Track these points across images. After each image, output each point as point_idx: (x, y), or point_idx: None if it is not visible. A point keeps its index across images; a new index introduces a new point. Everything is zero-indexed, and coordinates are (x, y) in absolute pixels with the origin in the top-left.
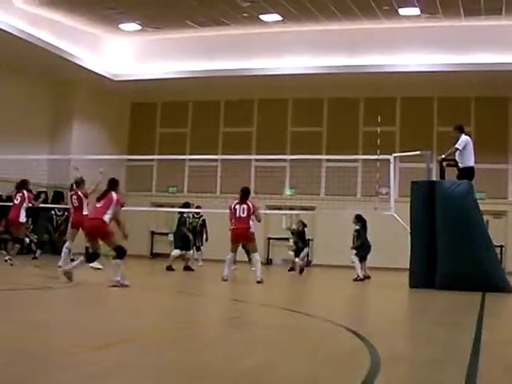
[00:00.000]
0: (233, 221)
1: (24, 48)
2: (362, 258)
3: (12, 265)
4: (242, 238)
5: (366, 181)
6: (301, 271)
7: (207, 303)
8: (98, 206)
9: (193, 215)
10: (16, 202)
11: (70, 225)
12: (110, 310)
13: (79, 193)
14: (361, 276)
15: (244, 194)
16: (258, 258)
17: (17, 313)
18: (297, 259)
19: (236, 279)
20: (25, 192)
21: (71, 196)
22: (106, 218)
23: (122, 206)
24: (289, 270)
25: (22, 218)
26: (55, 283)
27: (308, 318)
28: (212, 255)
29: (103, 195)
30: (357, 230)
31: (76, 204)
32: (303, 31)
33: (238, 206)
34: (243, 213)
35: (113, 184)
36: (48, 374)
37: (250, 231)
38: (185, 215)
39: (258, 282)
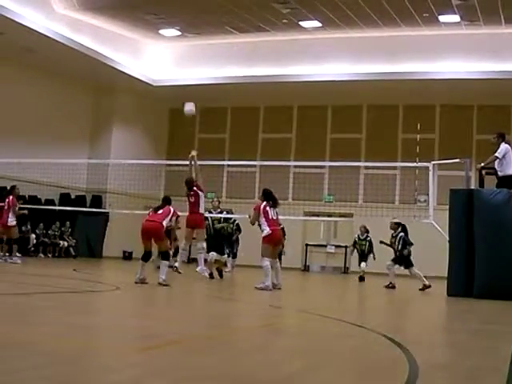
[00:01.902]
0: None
1: (65, 53)
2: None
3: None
4: (279, 240)
5: (404, 188)
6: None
7: (245, 308)
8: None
9: (219, 220)
10: (5, 207)
11: (185, 224)
12: (151, 314)
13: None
14: (394, 283)
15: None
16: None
17: (58, 315)
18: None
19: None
20: (11, 197)
21: (188, 196)
22: (164, 223)
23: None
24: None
25: (11, 222)
26: (95, 286)
27: (345, 324)
28: (246, 261)
29: (161, 207)
30: (403, 238)
31: (192, 200)
32: (343, 38)
33: (269, 209)
34: (275, 215)
35: (168, 200)
36: (91, 376)
37: None
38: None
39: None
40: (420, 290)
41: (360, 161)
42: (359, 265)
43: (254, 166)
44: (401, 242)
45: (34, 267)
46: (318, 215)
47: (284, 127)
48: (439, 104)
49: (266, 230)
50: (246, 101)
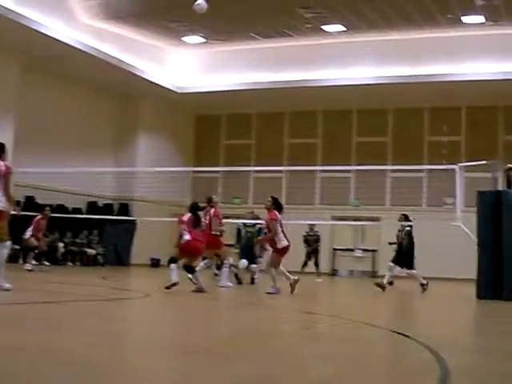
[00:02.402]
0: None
1: (90, 62)
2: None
3: None
4: None
5: (431, 191)
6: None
7: (275, 314)
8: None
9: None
10: None
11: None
12: (181, 321)
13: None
14: (384, 284)
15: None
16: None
17: (90, 323)
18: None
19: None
20: None
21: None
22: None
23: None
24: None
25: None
26: (125, 294)
27: (375, 328)
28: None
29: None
30: (410, 232)
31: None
32: (366, 41)
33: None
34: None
35: (196, 208)
36: (122, 383)
37: None
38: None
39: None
40: (423, 290)
41: (386, 164)
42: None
43: (281, 171)
44: (406, 237)
45: (62, 276)
46: (345, 219)
47: (309, 132)
48: (465, 106)
49: (284, 242)
50: (271, 106)
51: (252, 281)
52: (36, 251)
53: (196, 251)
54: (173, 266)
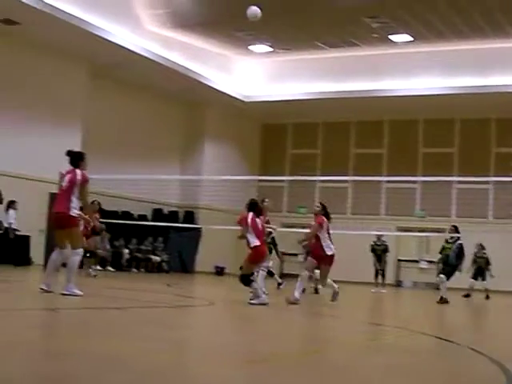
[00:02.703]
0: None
1: (156, 70)
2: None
3: None
4: None
5: (497, 203)
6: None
7: (341, 325)
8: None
9: None
10: None
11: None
12: (246, 329)
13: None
14: (445, 298)
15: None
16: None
17: (154, 330)
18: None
19: (366, 299)
20: None
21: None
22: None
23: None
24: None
25: None
26: (189, 302)
27: (440, 341)
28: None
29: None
30: (461, 246)
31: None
32: (434, 51)
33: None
34: None
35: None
36: None
37: None
38: None
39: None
40: (438, 302)
41: (452, 175)
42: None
43: (346, 181)
44: (456, 251)
45: (127, 282)
46: (410, 230)
47: (375, 142)
48: None
49: (332, 248)
50: (337, 116)
51: (316, 291)
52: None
53: (263, 258)
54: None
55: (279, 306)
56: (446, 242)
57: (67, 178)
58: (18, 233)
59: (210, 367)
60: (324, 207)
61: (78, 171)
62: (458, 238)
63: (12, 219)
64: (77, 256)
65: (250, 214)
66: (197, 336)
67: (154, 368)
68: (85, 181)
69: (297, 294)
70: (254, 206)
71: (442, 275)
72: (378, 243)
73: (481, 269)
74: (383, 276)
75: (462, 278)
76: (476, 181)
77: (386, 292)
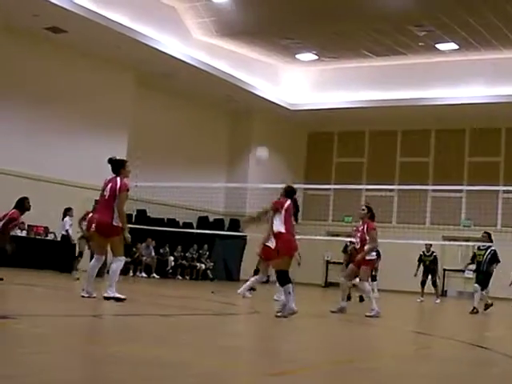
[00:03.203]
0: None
1: (203, 78)
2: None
3: None
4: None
5: None
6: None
7: (383, 333)
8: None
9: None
10: None
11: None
12: (289, 338)
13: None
14: (476, 307)
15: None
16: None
17: (198, 337)
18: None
19: (412, 309)
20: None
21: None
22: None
23: None
24: None
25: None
26: (234, 309)
27: (488, 351)
28: (389, 285)
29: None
30: (494, 252)
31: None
32: (480, 60)
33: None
34: None
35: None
36: None
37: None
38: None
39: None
40: (484, 309)
41: (498, 184)
42: None
43: (392, 190)
44: (489, 257)
45: (171, 289)
46: (455, 240)
47: (421, 151)
48: None
49: (375, 254)
50: (383, 124)
51: (361, 298)
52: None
53: (294, 248)
54: (290, 286)
55: (319, 315)
56: (478, 248)
57: (109, 187)
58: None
59: (253, 375)
60: (370, 209)
61: (119, 179)
62: (492, 246)
63: (68, 226)
64: (119, 262)
65: (288, 201)
66: (241, 343)
67: (205, 374)
68: (124, 189)
69: (342, 303)
70: (292, 194)
71: (475, 284)
72: (427, 254)
73: None
74: (435, 286)
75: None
76: None
77: (439, 302)
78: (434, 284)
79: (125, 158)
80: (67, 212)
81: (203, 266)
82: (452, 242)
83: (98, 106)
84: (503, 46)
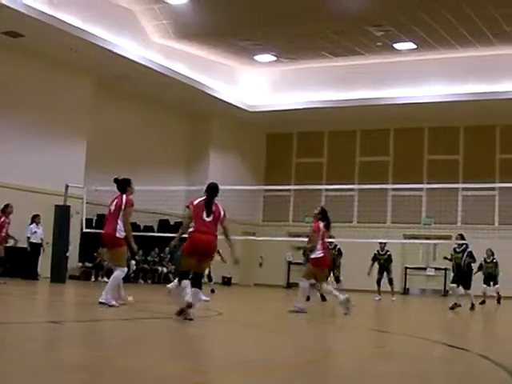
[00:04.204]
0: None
1: (161, 81)
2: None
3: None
4: (329, 264)
5: (503, 209)
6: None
7: (345, 332)
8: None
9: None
10: None
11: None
12: (255, 339)
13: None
14: (459, 303)
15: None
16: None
17: (160, 341)
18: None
19: (374, 307)
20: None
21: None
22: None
23: None
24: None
25: None
26: (197, 312)
27: (448, 348)
28: (352, 285)
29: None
30: (470, 252)
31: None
32: (438, 59)
33: (324, 230)
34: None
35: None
36: None
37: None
38: None
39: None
40: (450, 308)
41: (458, 182)
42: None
43: (352, 189)
44: (467, 258)
45: (134, 293)
46: (416, 238)
47: (381, 150)
48: None
49: (319, 252)
50: (342, 124)
51: (323, 298)
52: None
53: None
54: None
55: (280, 315)
56: (455, 251)
57: (114, 202)
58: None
59: (220, 378)
60: (323, 212)
61: (125, 196)
62: (467, 246)
63: (29, 233)
64: (119, 272)
65: (199, 199)
66: (208, 346)
67: (169, 378)
68: (129, 205)
69: (300, 303)
70: (211, 191)
71: (452, 284)
72: (382, 253)
73: (491, 274)
74: (391, 284)
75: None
76: (481, 187)
77: (395, 300)
78: (390, 282)
79: (129, 178)
80: (34, 219)
81: (165, 269)
82: (413, 241)
83: (55, 110)
84: (460, 45)
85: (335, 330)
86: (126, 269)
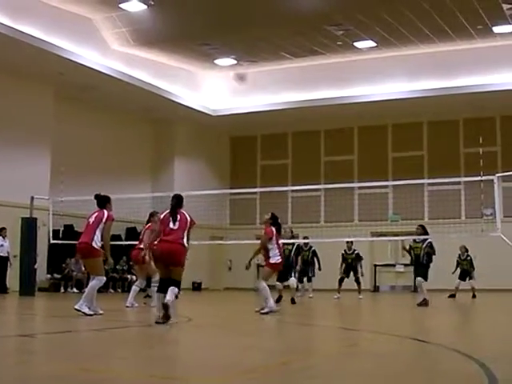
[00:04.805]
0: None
1: (123, 89)
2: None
3: None
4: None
5: (469, 203)
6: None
7: (318, 332)
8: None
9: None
10: None
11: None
12: (226, 343)
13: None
14: (427, 299)
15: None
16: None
17: (136, 350)
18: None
19: (344, 306)
20: None
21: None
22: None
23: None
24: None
25: None
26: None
27: (419, 343)
28: (322, 285)
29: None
30: (430, 244)
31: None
32: (398, 56)
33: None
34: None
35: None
36: None
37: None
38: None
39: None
40: (418, 305)
41: (423, 178)
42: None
43: (319, 189)
44: (427, 250)
45: (104, 303)
46: (384, 235)
47: (345, 149)
48: (499, 116)
49: (278, 258)
50: (305, 125)
51: (292, 300)
52: None
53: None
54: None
55: (257, 317)
56: (414, 241)
57: (95, 215)
58: None
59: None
60: (274, 217)
61: (105, 211)
62: (428, 239)
63: None
64: (97, 281)
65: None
66: (178, 352)
67: None
68: (110, 219)
69: (266, 305)
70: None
71: (419, 278)
72: (349, 252)
73: (466, 271)
74: (359, 283)
75: (450, 279)
76: (447, 182)
77: (362, 298)
78: (358, 281)
79: (109, 196)
80: (0, 232)
81: (134, 277)
82: (381, 238)
83: (18, 121)
84: (420, 41)
85: (305, 331)
86: (104, 278)
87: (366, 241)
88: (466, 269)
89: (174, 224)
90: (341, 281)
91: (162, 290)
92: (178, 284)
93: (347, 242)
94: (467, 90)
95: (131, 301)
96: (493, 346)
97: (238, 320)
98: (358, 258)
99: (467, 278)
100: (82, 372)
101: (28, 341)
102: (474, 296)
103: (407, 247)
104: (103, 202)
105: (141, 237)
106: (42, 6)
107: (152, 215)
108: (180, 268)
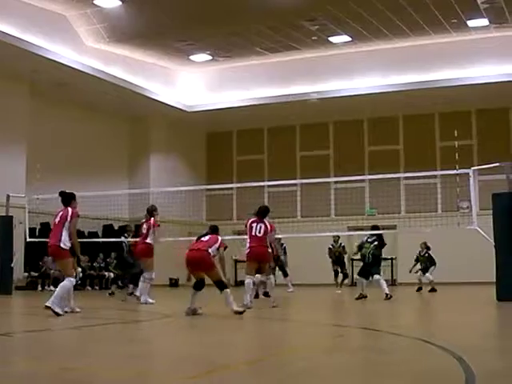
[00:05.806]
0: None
1: (98, 86)
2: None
3: None
4: (261, 258)
5: (445, 196)
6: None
7: (295, 328)
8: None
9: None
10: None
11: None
12: (203, 340)
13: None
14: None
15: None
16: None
17: (111, 347)
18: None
19: (321, 301)
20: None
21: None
22: (210, 250)
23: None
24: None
25: None
26: (145, 315)
27: (395, 336)
28: (300, 279)
29: (206, 234)
30: (377, 242)
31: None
32: (373, 50)
33: (254, 225)
34: (260, 232)
35: (215, 229)
36: None
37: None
38: None
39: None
40: (386, 298)
41: (399, 172)
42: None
43: (295, 184)
44: (373, 250)
45: (82, 300)
46: (361, 229)
47: (321, 144)
48: (475, 109)
49: (246, 247)
50: (281, 120)
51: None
52: None
53: None
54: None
55: (229, 314)
56: (367, 241)
57: (60, 214)
58: None
59: (168, 380)
60: (259, 210)
61: (70, 209)
62: (380, 237)
63: None
64: (67, 282)
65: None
66: (155, 349)
67: (121, 381)
68: (75, 215)
69: (246, 301)
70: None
71: (376, 276)
72: (336, 245)
73: (425, 267)
74: (346, 277)
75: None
76: (423, 176)
77: (340, 292)
78: (346, 275)
79: (73, 192)
80: None
81: (112, 274)
82: (358, 232)
83: None
84: (395, 36)
85: (280, 327)
86: (73, 280)
87: (343, 235)
88: (425, 266)
89: (204, 237)
90: (336, 274)
91: (198, 287)
92: (221, 284)
93: (334, 236)
94: (443, 84)
95: (145, 298)
96: (465, 337)
97: (215, 316)
98: (344, 251)
99: (426, 274)
100: (61, 371)
101: (5, 339)
102: (433, 289)
103: (357, 245)
104: (68, 199)
105: (144, 232)
106: (16, 3)
107: (155, 210)
108: (213, 272)
